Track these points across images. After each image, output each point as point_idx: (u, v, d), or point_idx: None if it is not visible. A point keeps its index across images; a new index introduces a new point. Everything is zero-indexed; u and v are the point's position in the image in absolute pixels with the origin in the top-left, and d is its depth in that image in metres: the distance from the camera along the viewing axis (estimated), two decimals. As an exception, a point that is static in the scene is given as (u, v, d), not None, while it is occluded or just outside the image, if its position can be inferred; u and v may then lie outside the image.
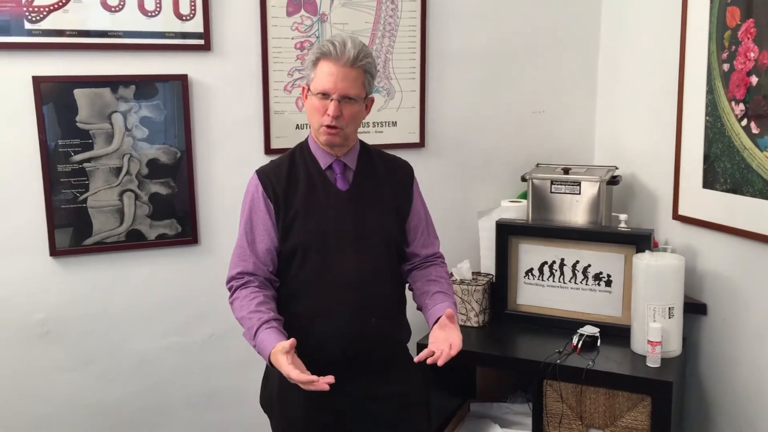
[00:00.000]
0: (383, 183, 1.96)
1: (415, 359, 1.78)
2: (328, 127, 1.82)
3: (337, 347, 1.86)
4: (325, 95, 1.81)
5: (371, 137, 2.74)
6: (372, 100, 1.92)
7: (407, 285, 2.06)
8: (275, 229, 1.88)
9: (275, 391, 1.96)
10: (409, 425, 2.00)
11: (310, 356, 1.75)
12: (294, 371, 1.65)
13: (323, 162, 1.91)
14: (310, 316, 1.87)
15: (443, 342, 1.77)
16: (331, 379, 1.64)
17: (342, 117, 1.82)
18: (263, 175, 1.91)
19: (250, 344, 1.82)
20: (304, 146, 1.96)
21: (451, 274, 2.70)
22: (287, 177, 1.90)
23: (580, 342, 2.40)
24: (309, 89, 1.86)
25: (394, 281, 1.99)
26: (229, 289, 1.91)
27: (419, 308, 2.01)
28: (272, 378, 1.97)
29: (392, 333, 1.97)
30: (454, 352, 1.74)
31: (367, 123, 2.75)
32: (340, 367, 1.79)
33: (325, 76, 1.80)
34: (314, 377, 1.64)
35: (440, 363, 1.73)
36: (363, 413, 1.91)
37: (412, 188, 2.01)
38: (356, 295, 1.86)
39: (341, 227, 1.88)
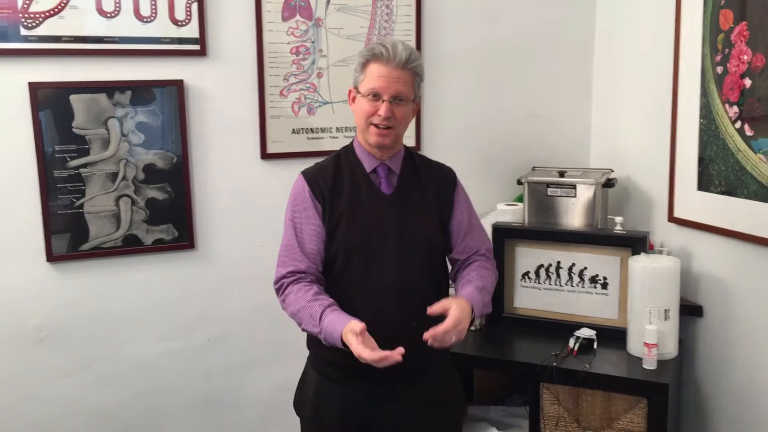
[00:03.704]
0: (426, 188, 1.95)
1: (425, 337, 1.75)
2: (379, 127, 1.83)
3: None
4: (375, 96, 1.81)
5: (367, 141, 2.75)
6: (418, 105, 1.93)
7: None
8: (323, 229, 1.89)
9: (311, 394, 1.97)
10: None
11: (348, 359, 1.76)
12: (365, 351, 1.66)
13: (368, 165, 1.92)
14: None
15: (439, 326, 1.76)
16: (401, 349, 1.66)
17: (393, 117, 1.82)
18: (310, 176, 1.93)
19: (313, 332, 1.81)
20: (349, 149, 1.97)
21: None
22: (333, 179, 1.91)
23: (577, 345, 2.40)
24: (358, 91, 1.86)
25: (436, 286, 1.96)
26: (279, 288, 1.90)
27: None
28: (309, 381, 1.99)
29: None
30: (441, 335, 1.73)
31: (363, 127, 2.76)
32: (377, 371, 1.80)
33: (376, 77, 1.81)
34: (386, 353, 1.65)
35: (430, 341, 1.73)
36: (397, 420, 1.90)
37: (454, 194, 1.99)
38: (397, 299, 1.85)
39: (384, 231, 1.88)
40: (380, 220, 1.88)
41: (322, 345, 1.86)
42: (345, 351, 1.73)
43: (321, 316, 1.77)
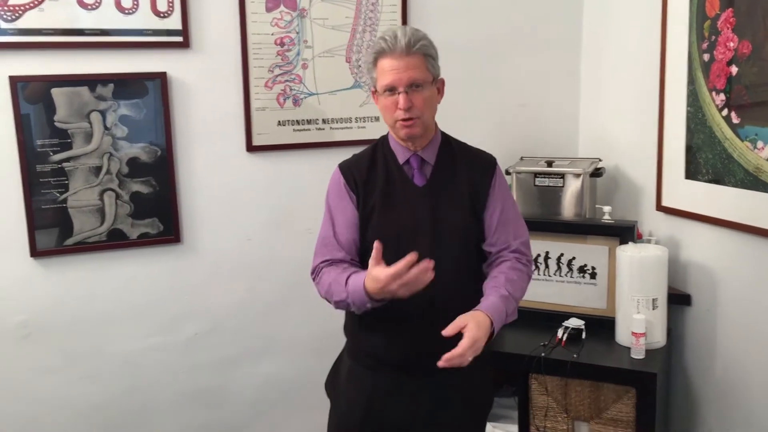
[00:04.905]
0: (461, 178, 1.90)
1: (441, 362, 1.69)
2: (404, 120, 1.81)
3: (408, 344, 1.84)
4: (391, 90, 1.80)
5: (354, 133, 2.73)
6: (443, 81, 1.89)
7: None
8: (358, 219, 1.88)
9: (343, 378, 1.97)
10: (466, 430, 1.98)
11: (380, 351, 1.73)
12: (390, 269, 1.64)
13: (401, 157, 1.90)
14: (381, 311, 1.80)
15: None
16: (431, 262, 1.65)
17: (414, 106, 1.79)
18: (345, 168, 1.93)
19: (342, 299, 1.78)
20: (384, 141, 1.95)
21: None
22: (367, 170, 1.90)
23: (565, 335, 2.40)
24: (376, 91, 1.85)
25: (471, 279, 1.92)
26: (315, 275, 1.90)
27: None
28: (342, 366, 1.98)
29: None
30: (456, 359, 1.66)
31: (350, 118, 2.74)
32: (409, 364, 1.78)
33: (386, 72, 1.79)
34: (407, 260, 1.63)
35: (442, 363, 1.68)
36: (424, 413, 1.88)
37: (490, 183, 1.92)
38: (429, 292, 1.78)
39: (416, 224, 1.85)
40: (412, 212, 1.86)
41: (357, 333, 1.88)
42: (374, 344, 1.72)
43: (347, 281, 1.77)
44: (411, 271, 1.65)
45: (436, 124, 1.93)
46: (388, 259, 1.82)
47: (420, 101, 1.80)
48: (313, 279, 1.92)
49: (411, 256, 1.65)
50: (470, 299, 1.88)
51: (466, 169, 1.92)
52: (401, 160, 1.90)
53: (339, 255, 1.88)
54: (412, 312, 1.81)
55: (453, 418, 1.91)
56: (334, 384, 2.02)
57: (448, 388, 1.88)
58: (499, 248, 1.92)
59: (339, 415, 1.99)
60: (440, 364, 1.65)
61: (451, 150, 1.94)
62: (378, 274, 1.67)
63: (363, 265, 1.89)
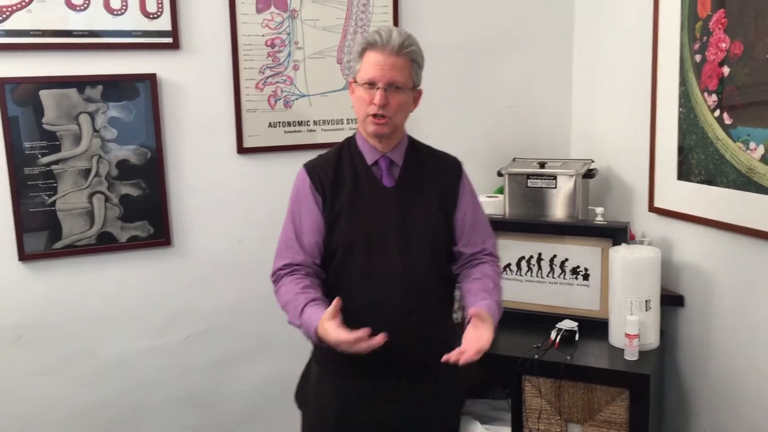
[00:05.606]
0: (430, 180, 1.90)
1: (443, 359, 1.68)
2: (375, 116, 1.79)
3: (377, 348, 1.79)
4: (371, 84, 1.78)
5: (345, 134, 2.65)
6: (420, 93, 1.88)
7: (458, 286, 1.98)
8: (324, 222, 1.86)
9: (312, 388, 1.94)
10: (441, 430, 1.97)
11: (349, 356, 1.71)
12: (342, 334, 1.63)
13: (369, 158, 1.88)
14: (350, 313, 1.77)
15: (471, 342, 1.69)
16: (382, 337, 1.62)
17: (389, 106, 1.78)
18: (311, 168, 1.90)
19: (295, 325, 1.78)
20: (351, 141, 1.93)
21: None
22: (334, 171, 1.87)
23: (558, 337, 2.39)
24: (355, 81, 1.83)
25: (440, 281, 1.92)
26: (275, 280, 1.88)
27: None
28: (311, 375, 1.96)
29: (435, 334, 1.88)
30: (474, 354, 1.66)
31: (342, 120, 2.73)
32: (378, 365, 1.77)
33: (371, 65, 1.78)
34: (362, 334, 1.62)
35: (461, 362, 1.66)
36: (397, 415, 1.87)
37: (459, 185, 1.93)
38: (398, 293, 1.81)
39: (385, 225, 1.84)
40: (381, 213, 1.85)
41: None
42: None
43: (302, 310, 1.75)
44: (360, 344, 1.63)
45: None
46: (357, 260, 1.83)
47: (396, 103, 1.80)
48: (273, 282, 1.89)
49: (364, 332, 1.63)
50: (439, 302, 1.91)
51: (433, 171, 1.92)
52: (369, 161, 1.88)
53: (299, 258, 1.85)
54: (381, 316, 1.79)
55: (426, 418, 1.90)
56: (304, 392, 1.99)
57: (420, 389, 1.87)
58: (474, 250, 1.93)
59: (310, 421, 1.96)
60: (444, 360, 1.66)
61: (418, 152, 1.94)
62: (330, 332, 1.65)
63: (328, 268, 1.88)
